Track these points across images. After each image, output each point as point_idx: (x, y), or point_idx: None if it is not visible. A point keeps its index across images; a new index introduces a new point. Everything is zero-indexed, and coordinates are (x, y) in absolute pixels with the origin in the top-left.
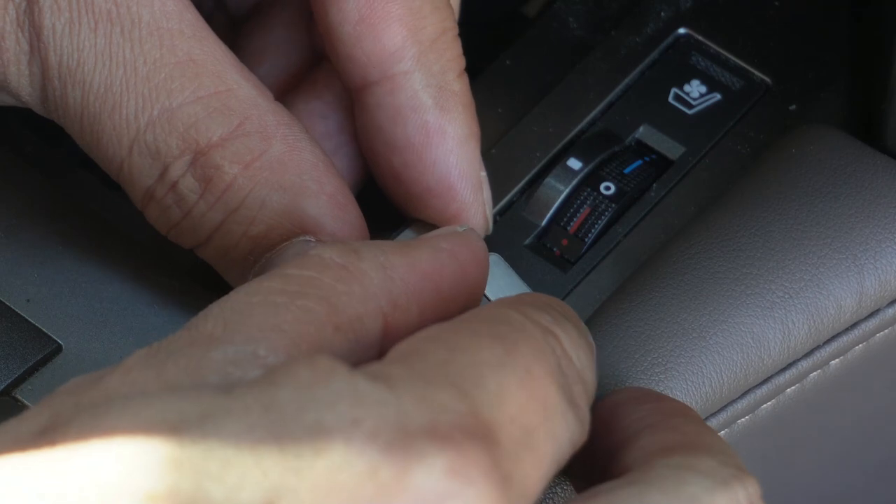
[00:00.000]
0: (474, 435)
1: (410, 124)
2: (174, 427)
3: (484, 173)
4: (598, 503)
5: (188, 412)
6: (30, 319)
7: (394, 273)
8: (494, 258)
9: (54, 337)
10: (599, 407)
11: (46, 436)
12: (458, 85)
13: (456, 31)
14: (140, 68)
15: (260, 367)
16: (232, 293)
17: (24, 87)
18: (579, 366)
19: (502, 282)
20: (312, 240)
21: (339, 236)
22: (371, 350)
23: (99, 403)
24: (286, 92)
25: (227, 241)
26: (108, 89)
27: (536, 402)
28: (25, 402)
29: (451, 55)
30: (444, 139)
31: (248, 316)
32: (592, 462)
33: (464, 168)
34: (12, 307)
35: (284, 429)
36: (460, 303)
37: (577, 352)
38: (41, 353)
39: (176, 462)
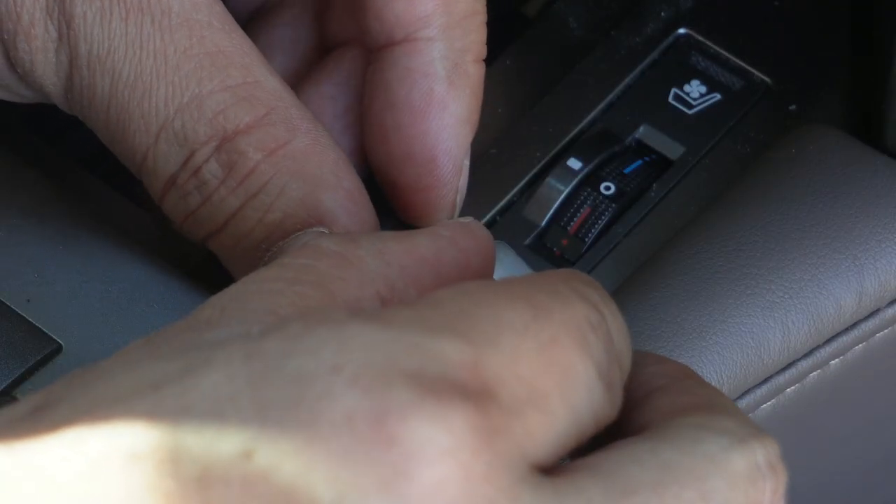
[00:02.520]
0: (465, 385)
1: (417, 88)
2: (155, 386)
3: (468, 163)
4: (612, 457)
5: (169, 370)
6: (30, 319)
7: (391, 258)
8: (502, 246)
9: (54, 337)
10: None
11: (37, 414)
12: (474, 69)
13: (485, 17)
14: (170, 57)
15: None
16: (232, 285)
17: (49, 76)
18: (619, 348)
19: (511, 269)
20: (326, 231)
21: (351, 230)
22: None
23: (88, 380)
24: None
25: (242, 227)
26: (139, 77)
27: (555, 368)
28: None
29: (475, 38)
30: (443, 112)
31: (244, 302)
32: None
33: (451, 146)
34: (12, 307)
35: (264, 378)
36: None
37: (619, 335)
38: (41, 353)
39: (155, 419)
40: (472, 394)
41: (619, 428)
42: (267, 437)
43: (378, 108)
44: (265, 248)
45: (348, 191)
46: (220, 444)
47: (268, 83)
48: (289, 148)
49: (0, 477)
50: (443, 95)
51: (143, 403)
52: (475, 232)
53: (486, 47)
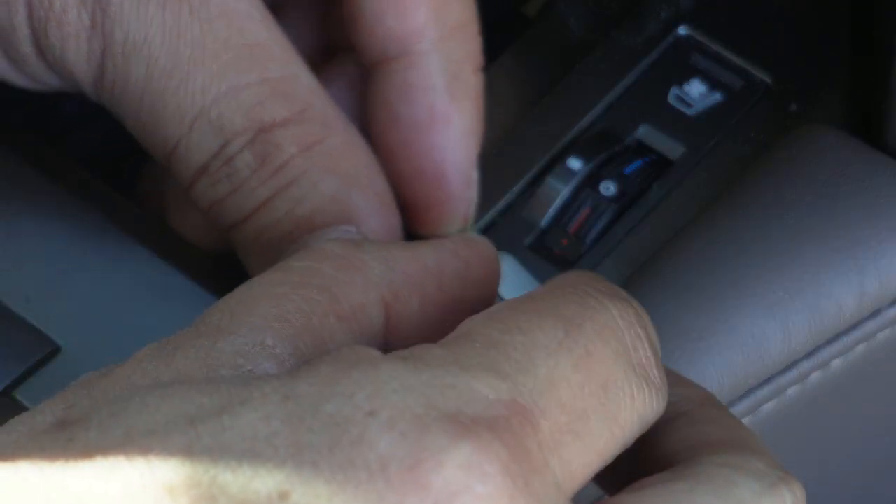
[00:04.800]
0: (503, 425)
1: (418, 104)
2: (192, 420)
3: (476, 174)
4: (649, 497)
5: (205, 405)
6: (29, 320)
7: (395, 265)
8: (506, 257)
9: (53, 338)
10: None
11: (64, 430)
12: (473, 79)
13: (477, 26)
14: (209, 46)
15: (269, 358)
16: (236, 289)
17: (79, 63)
18: (653, 337)
19: (515, 280)
20: (354, 230)
21: (379, 234)
22: (375, 340)
23: (114, 396)
24: None
25: (269, 218)
26: (175, 66)
27: (594, 384)
28: (24, 403)
29: (471, 48)
30: (447, 126)
31: (252, 307)
32: None
33: (459, 159)
34: (11, 307)
35: (301, 421)
36: (468, 300)
37: (650, 324)
38: (40, 354)
39: (193, 454)
40: (510, 434)
41: (643, 450)
42: (302, 479)
43: (381, 126)
44: (288, 241)
45: (379, 193)
46: (256, 483)
47: (305, 79)
48: (324, 145)
49: (30, 493)
50: (445, 109)
51: (181, 438)
52: (478, 244)
53: (482, 56)
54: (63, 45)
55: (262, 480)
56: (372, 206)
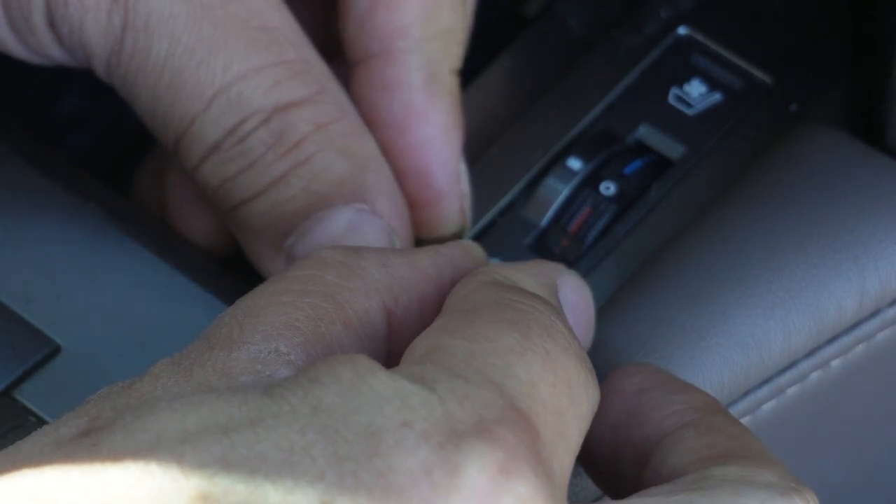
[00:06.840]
0: (521, 429)
1: (396, 102)
2: (225, 430)
3: (464, 167)
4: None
5: (236, 415)
6: (29, 320)
7: (394, 271)
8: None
9: (53, 337)
10: (620, 392)
11: (89, 437)
12: (450, 78)
13: (463, 35)
14: (230, 27)
15: (285, 364)
16: (238, 301)
17: (97, 37)
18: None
19: None
20: (367, 208)
21: (391, 215)
22: (380, 346)
23: (138, 406)
24: None
25: (282, 194)
26: (198, 44)
27: (561, 382)
28: (24, 402)
29: (451, 52)
30: (426, 123)
31: (260, 316)
32: (619, 453)
33: (442, 156)
34: (12, 307)
35: (336, 432)
36: None
37: (566, 318)
38: (40, 354)
39: (230, 464)
40: (527, 434)
41: (644, 462)
42: (344, 488)
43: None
44: (302, 218)
45: (389, 176)
46: (297, 494)
47: (318, 63)
48: (339, 125)
49: (54, 499)
50: (423, 106)
51: (216, 447)
52: (472, 251)
53: (462, 62)
54: (82, 18)
55: (303, 491)
56: (384, 186)
